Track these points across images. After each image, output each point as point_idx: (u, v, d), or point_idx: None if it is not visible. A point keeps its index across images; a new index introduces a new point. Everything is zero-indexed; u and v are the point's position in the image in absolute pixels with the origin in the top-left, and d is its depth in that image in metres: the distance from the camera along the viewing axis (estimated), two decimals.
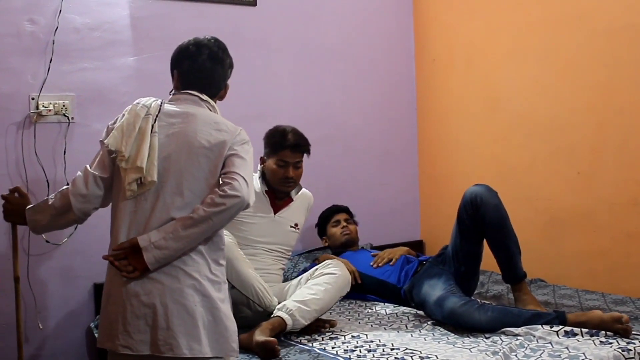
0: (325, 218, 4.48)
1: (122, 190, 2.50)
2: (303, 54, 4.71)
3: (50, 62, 3.76)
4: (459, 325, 3.21)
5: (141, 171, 2.44)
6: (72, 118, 3.82)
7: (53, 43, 3.76)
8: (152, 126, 2.51)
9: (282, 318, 3.12)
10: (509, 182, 4.52)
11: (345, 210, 4.52)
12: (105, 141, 2.56)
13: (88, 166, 2.63)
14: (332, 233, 4.39)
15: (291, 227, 3.83)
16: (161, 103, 2.61)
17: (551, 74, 4.24)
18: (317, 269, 3.50)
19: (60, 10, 3.78)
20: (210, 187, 2.49)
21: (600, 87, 3.97)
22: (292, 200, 3.86)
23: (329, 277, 3.39)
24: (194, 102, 2.63)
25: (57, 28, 3.78)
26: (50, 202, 2.66)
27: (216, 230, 2.48)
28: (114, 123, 2.62)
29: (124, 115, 2.61)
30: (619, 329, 2.98)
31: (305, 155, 3.81)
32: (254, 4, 4.48)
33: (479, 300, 3.40)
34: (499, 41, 4.58)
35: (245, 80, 4.35)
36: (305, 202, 3.96)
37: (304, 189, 3.94)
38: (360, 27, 4.98)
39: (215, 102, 2.75)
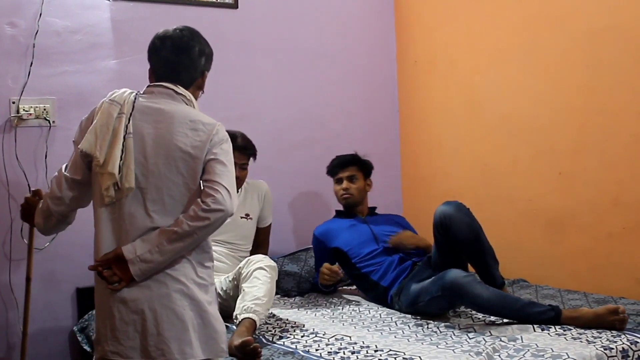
0: (330, 173, 4.29)
1: (100, 195, 2.45)
2: (285, 56, 4.72)
3: (31, 65, 3.75)
4: (458, 296, 3.22)
5: (114, 177, 2.40)
6: (54, 122, 3.81)
7: (33, 46, 3.75)
8: (126, 127, 2.45)
9: (250, 318, 3.16)
10: (491, 183, 4.54)
11: (350, 163, 4.25)
12: (79, 146, 2.48)
13: (63, 167, 2.59)
14: (335, 191, 4.25)
15: (242, 217, 3.92)
16: (135, 98, 2.53)
17: (532, 75, 4.26)
18: (248, 263, 3.54)
19: (41, 14, 3.77)
20: (190, 192, 2.45)
21: (581, 88, 3.99)
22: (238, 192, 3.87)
23: (266, 271, 3.45)
24: (168, 96, 2.54)
25: (37, 31, 3.77)
26: (40, 205, 2.65)
27: (201, 242, 2.47)
28: (87, 120, 2.55)
29: (97, 112, 2.52)
30: (615, 321, 3.00)
31: (252, 159, 4.00)
32: (236, 6, 4.48)
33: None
34: (481, 43, 4.60)
35: (227, 82, 4.35)
36: (256, 192, 4.06)
37: (255, 180, 4.03)
38: (342, 29, 4.99)
39: (197, 94, 2.68)
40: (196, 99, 2.67)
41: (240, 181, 3.85)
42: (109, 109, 2.47)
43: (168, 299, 2.40)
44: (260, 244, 4.14)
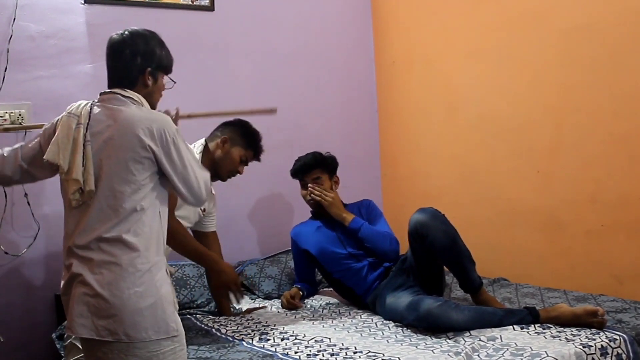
0: (294, 177, 4.19)
1: (68, 200, 2.57)
2: (262, 58, 4.70)
3: (5, 70, 3.72)
4: (436, 325, 3.15)
5: (79, 183, 2.52)
6: None
7: (7, 51, 3.72)
8: (85, 135, 2.56)
9: None
10: (469, 183, 4.55)
11: (312, 165, 4.12)
12: (44, 157, 2.59)
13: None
14: (302, 196, 4.13)
15: (200, 209, 3.81)
16: (90, 108, 2.62)
17: (509, 74, 4.27)
18: None
19: (15, 18, 3.74)
20: (144, 187, 2.54)
21: (557, 86, 4.00)
22: None
23: None
24: (117, 100, 2.62)
25: (11, 36, 3.74)
26: None
27: None
28: (50, 128, 2.69)
29: (57, 124, 2.63)
30: (593, 322, 3.00)
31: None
32: (212, 9, 4.46)
33: (453, 302, 3.36)
34: (457, 43, 4.61)
35: (204, 85, 4.35)
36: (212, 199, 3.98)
37: None
38: (320, 31, 4.98)
39: (153, 91, 2.72)
40: (153, 94, 2.75)
41: None
42: (68, 122, 2.60)
43: (122, 283, 2.44)
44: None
